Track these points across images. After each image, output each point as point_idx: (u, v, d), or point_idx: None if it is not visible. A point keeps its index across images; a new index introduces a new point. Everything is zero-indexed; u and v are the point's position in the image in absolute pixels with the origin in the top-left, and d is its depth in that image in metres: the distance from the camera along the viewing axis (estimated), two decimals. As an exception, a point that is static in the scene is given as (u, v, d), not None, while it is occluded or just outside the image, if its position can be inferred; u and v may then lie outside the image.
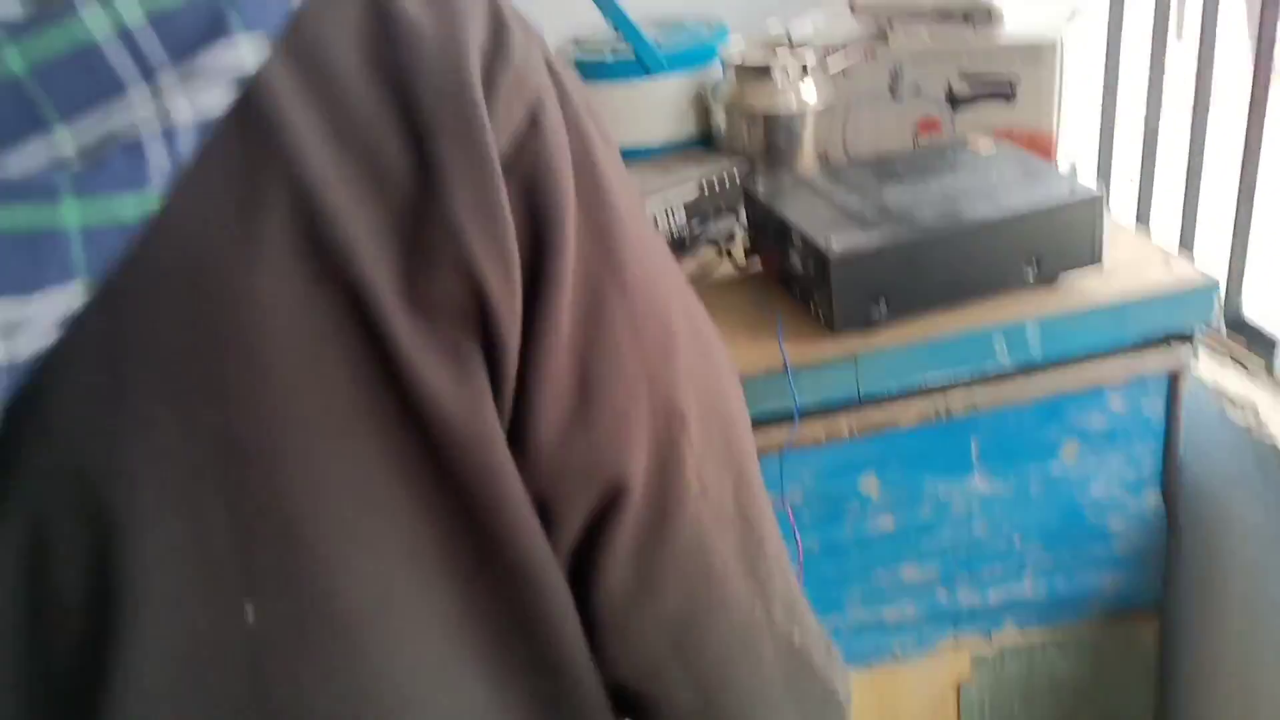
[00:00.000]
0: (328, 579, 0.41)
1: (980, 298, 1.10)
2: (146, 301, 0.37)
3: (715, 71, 1.39)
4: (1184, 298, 1.12)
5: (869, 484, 1.14)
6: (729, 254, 1.24)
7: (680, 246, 1.27)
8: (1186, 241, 1.32)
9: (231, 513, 0.39)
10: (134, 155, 0.34)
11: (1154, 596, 1.27)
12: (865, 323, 1.07)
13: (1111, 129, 1.45)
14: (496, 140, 0.41)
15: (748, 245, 1.24)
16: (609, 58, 1.38)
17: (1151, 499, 1.22)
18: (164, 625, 0.39)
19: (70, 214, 0.34)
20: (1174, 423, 1.18)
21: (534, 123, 0.43)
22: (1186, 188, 1.30)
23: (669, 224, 1.27)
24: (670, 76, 1.38)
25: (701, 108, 1.40)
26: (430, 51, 0.40)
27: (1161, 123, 1.35)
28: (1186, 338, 1.14)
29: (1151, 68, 1.32)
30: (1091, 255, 1.10)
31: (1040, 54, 1.28)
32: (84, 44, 0.33)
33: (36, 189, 0.33)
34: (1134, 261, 1.16)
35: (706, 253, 1.25)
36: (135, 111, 0.34)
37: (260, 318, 0.38)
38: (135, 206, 0.35)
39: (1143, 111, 1.37)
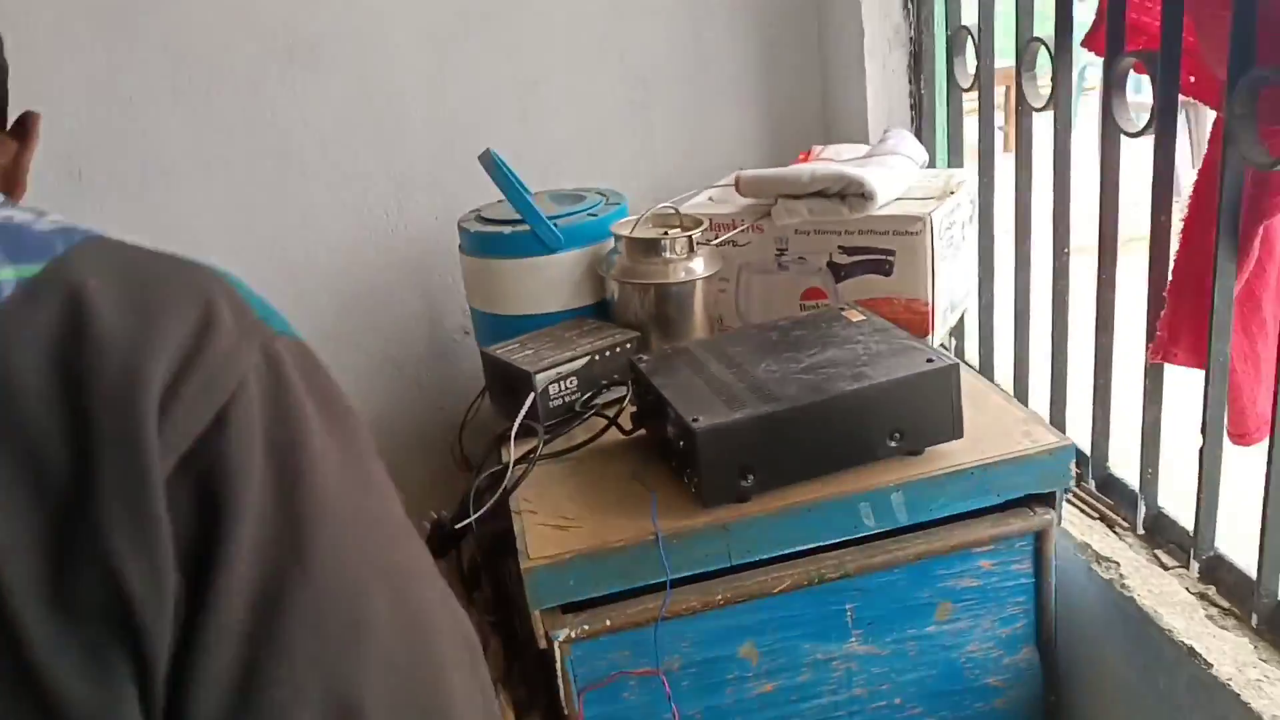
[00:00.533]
0: None
1: (846, 467, 1.15)
2: None
3: (609, 244, 1.46)
4: (1043, 461, 1.17)
5: (747, 650, 1.17)
6: (616, 424, 1.29)
7: (572, 416, 1.32)
8: (1058, 403, 1.39)
9: None
10: None
11: (1039, 752, 1.29)
12: (735, 495, 1.12)
13: (990, 298, 1.53)
14: (174, 443, 0.43)
15: (635, 415, 1.29)
16: (506, 231, 1.46)
17: (1027, 654, 1.25)
18: None
19: None
20: (1043, 581, 1.23)
21: (220, 420, 0.45)
22: (1053, 353, 1.37)
23: (561, 393, 1.32)
24: (566, 252, 1.45)
25: (596, 278, 1.47)
26: (111, 361, 0.43)
27: (1031, 294, 1.43)
28: (1048, 500, 1.20)
29: (1017, 238, 1.41)
30: (951, 427, 1.16)
31: (911, 228, 1.37)
32: None
33: None
34: (999, 426, 1.22)
35: (595, 422, 1.30)
36: None
37: None
38: None
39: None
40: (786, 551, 1.14)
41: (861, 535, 1.15)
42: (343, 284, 1.79)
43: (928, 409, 1.14)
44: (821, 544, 1.15)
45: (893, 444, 1.14)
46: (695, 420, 1.09)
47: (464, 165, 1.56)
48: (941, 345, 1.49)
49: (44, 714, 0.41)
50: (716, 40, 1.79)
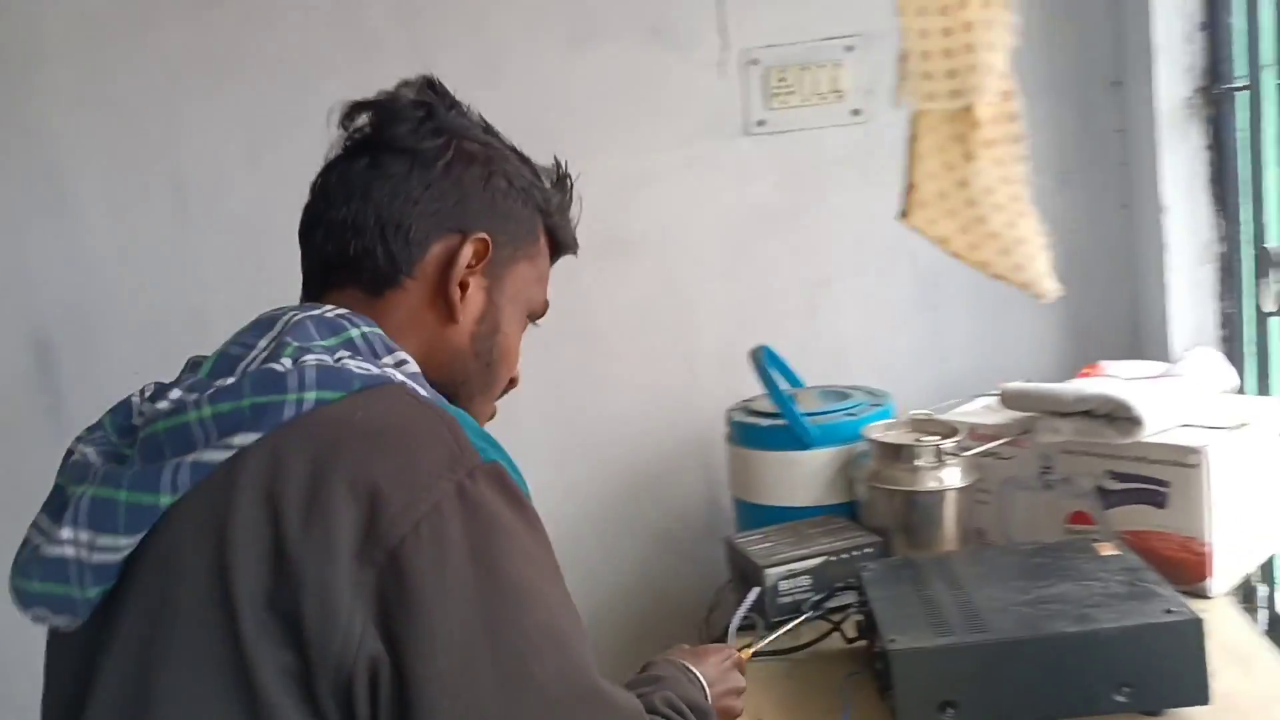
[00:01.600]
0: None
1: (1068, 716, 1.06)
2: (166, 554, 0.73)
3: (863, 447, 1.46)
4: (1317, 749, 1.01)
5: None
6: (840, 629, 1.27)
7: (797, 612, 1.32)
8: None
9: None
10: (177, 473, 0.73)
11: None
12: (933, 726, 1.06)
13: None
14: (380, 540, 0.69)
15: (860, 624, 1.27)
16: (764, 424, 1.51)
17: None
18: None
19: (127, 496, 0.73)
20: None
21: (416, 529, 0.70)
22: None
23: (792, 590, 1.33)
24: (819, 450, 1.47)
25: (848, 477, 1.47)
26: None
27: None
28: (1324, 796, 1.03)
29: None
30: (1194, 691, 1.03)
31: (1187, 460, 1.26)
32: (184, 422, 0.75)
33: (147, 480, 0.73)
34: (1264, 698, 1.08)
35: (820, 625, 1.29)
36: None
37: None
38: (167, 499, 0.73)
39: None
40: (991, 798, 1.06)
41: (1082, 795, 1.05)
42: (635, 458, 1.91)
43: (1162, 665, 1.03)
44: (1033, 797, 1.06)
45: (1120, 699, 1.04)
46: (892, 641, 1.06)
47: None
48: (1234, 592, 1.34)
49: (241, 670, 0.67)
50: (1014, 246, 1.76)
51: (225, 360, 0.80)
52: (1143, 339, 1.69)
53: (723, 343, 1.84)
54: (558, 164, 1.02)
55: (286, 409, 0.72)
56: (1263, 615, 1.46)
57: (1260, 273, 1.39)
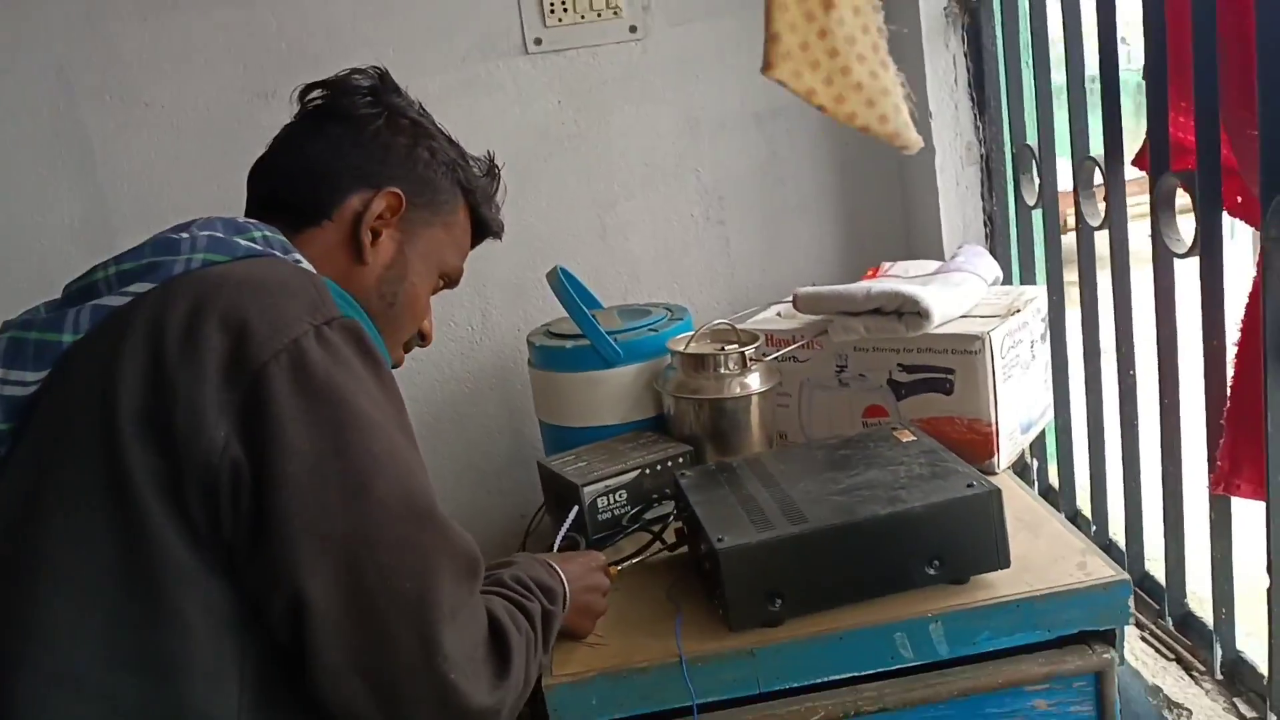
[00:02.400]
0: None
1: (883, 594, 1.11)
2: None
3: (667, 360, 1.47)
4: (1097, 596, 1.11)
5: (779, 784, 1.13)
6: (660, 539, 1.28)
7: (618, 528, 1.32)
8: (1134, 532, 1.32)
9: None
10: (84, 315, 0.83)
11: None
12: (763, 619, 1.09)
13: (1067, 419, 1.47)
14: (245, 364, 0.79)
15: (679, 531, 1.28)
16: (568, 345, 1.49)
17: (1092, 806, 1.16)
18: None
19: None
20: (1107, 725, 1.15)
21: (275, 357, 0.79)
22: (1125, 479, 1.30)
23: (610, 506, 1.33)
24: (625, 367, 1.47)
25: (656, 391, 1.48)
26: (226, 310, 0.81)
27: (1105, 415, 1.37)
28: (1108, 637, 1.13)
29: (1085, 357, 1.36)
30: (996, 556, 1.11)
31: (969, 347, 1.34)
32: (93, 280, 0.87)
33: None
34: (1053, 555, 1.16)
35: (641, 537, 1.30)
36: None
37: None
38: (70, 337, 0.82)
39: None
40: (820, 680, 1.10)
41: (902, 666, 1.11)
42: (433, 394, 1.85)
43: (968, 536, 1.10)
44: (858, 674, 1.11)
45: (931, 571, 1.10)
46: (719, 540, 1.07)
47: (544, 281, 1.61)
48: (1013, 468, 1.44)
49: (116, 475, 0.75)
50: (792, 156, 1.81)
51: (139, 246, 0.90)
52: (915, 239, 1.78)
53: (515, 269, 1.81)
54: (490, 157, 1.18)
55: (178, 265, 0.85)
56: (1036, 486, 1.59)
57: (1021, 169, 1.48)
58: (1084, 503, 1.47)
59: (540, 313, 1.79)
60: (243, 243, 0.89)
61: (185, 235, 0.87)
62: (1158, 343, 1.16)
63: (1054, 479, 1.56)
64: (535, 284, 1.80)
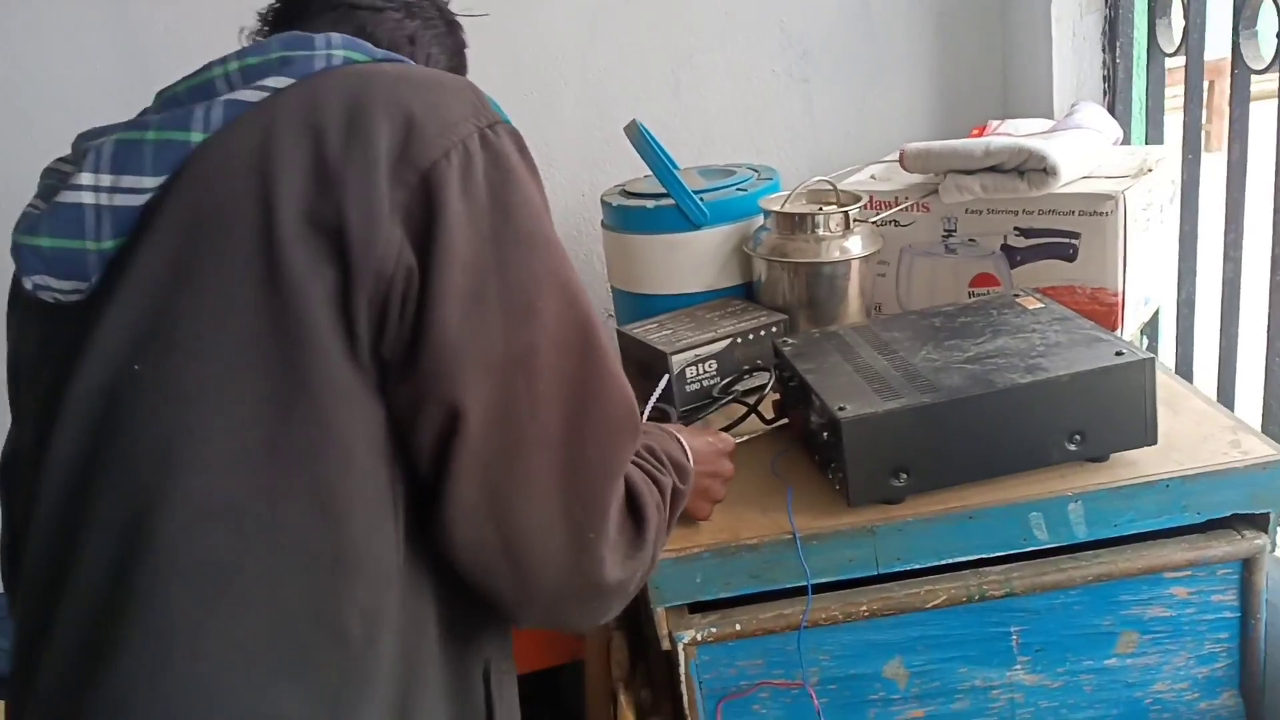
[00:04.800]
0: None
1: (1017, 471, 1.01)
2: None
3: (758, 221, 1.35)
4: (1255, 477, 1.00)
5: (894, 670, 1.05)
6: (757, 412, 1.18)
7: (709, 401, 1.22)
8: (1272, 412, 1.21)
9: None
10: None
11: (1235, 814, 1.12)
12: (885, 495, 1.00)
13: (1193, 292, 1.35)
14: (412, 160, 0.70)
15: (778, 404, 1.18)
16: (650, 205, 1.37)
17: (1228, 699, 1.08)
18: None
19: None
20: (1251, 616, 1.05)
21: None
22: (1268, 354, 1.19)
23: (699, 376, 1.23)
24: (712, 229, 1.35)
25: (744, 257, 1.36)
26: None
27: (1242, 287, 1.25)
28: (1260, 522, 1.03)
29: (1226, 223, 1.23)
30: (1144, 432, 1.00)
31: (1100, 208, 1.21)
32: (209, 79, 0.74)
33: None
34: (1200, 434, 1.06)
35: (735, 410, 1.20)
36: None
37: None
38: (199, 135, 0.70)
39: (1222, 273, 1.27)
40: (943, 562, 1.01)
41: (1032, 550, 1.02)
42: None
43: (1114, 409, 0.99)
44: (984, 557, 1.01)
45: (1072, 447, 1.00)
46: (841, 409, 0.97)
47: (614, 139, 1.48)
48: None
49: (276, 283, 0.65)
50: (885, 7, 1.65)
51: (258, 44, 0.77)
52: (1017, 100, 1.64)
53: (580, 127, 1.67)
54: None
55: (317, 61, 0.73)
56: (1149, 367, 1.47)
57: (1159, 12, 1.33)
58: (1204, 385, 1.35)
59: (606, 176, 1.66)
60: (377, 48, 0.78)
61: (317, 35, 0.76)
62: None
63: (1166, 358, 1.45)
64: (601, 144, 1.67)
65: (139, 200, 0.70)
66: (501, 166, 0.72)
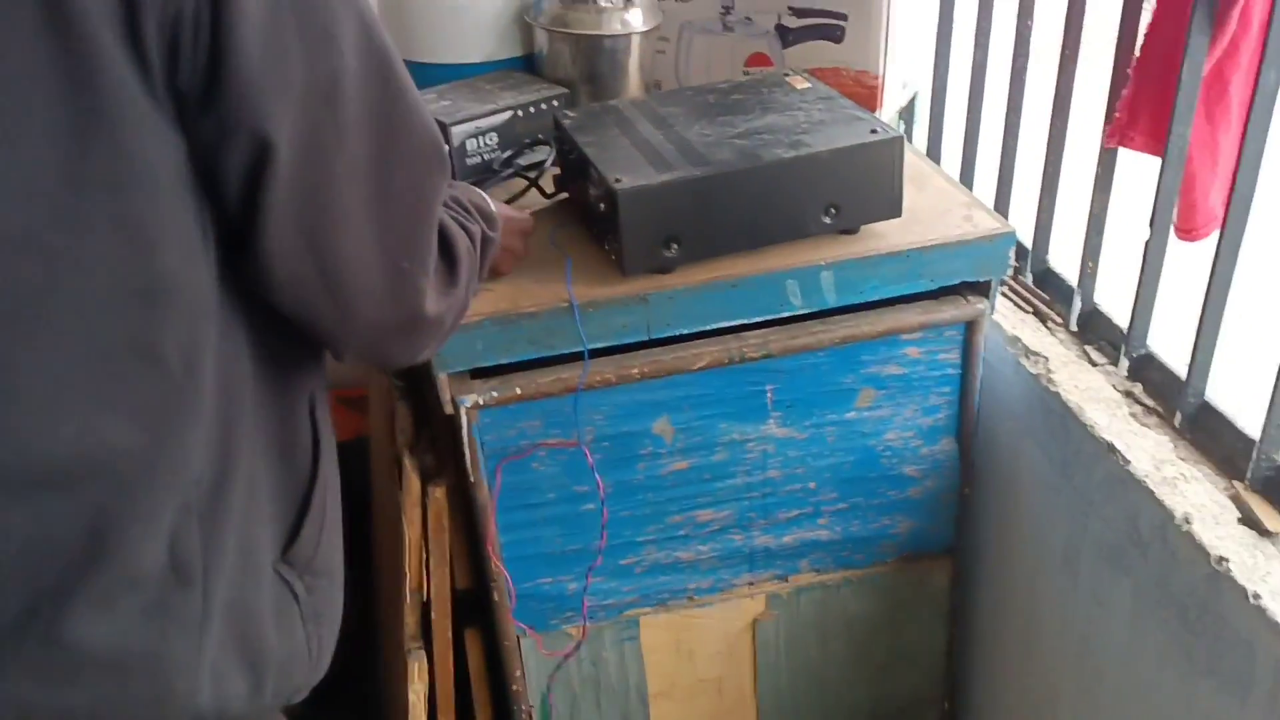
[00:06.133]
0: None
1: (777, 242, 1.08)
2: None
3: (539, -10, 1.33)
4: (982, 248, 1.12)
5: (662, 427, 1.13)
6: (537, 185, 1.20)
7: (489, 175, 1.22)
8: (1004, 190, 1.33)
9: None
10: None
11: (948, 540, 1.30)
12: (657, 264, 1.05)
13: (945, 78, 1.44)
14: None
15: (558, 179, 1.20)
16: (426, -31, 1.31)
17: (946, 445, 1.23)
18: None
19: None
20: (970, 372, 1.19)
21: None
22: (1005, 134, 1.29)
23: (479, 150, 1.22)
24: (491, -7, 1.32)
25: (525, 27, 1.34)
26: None
27: (987, 78, 1.34)
28: (983, 289, 1.15)
29: (980, 14, 1.31)
30: (890, 205, 1.09)
31: (867, -9, 1.25)
32: None
33: None
34: (940, 208, 1.16)
35: (516, 184, 1.21)
36: None
37: None
38: None
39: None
40: (708, 328, 1.09)
41: (787, 315, 1.10)
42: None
43: (867, 184, 1.07)
44: (745, 322, 1.10)
45: (827, 219, 1.08)
46: (618, 181, 1.00)
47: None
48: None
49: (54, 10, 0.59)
50: None
51: None
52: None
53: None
54: None
55: None
56: (903, 149, 1.57)
57: None
58: (949, 167, 1.46)
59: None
60: None
61: None
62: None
63: (919, 142, 1.55)
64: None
65: None
66: None
